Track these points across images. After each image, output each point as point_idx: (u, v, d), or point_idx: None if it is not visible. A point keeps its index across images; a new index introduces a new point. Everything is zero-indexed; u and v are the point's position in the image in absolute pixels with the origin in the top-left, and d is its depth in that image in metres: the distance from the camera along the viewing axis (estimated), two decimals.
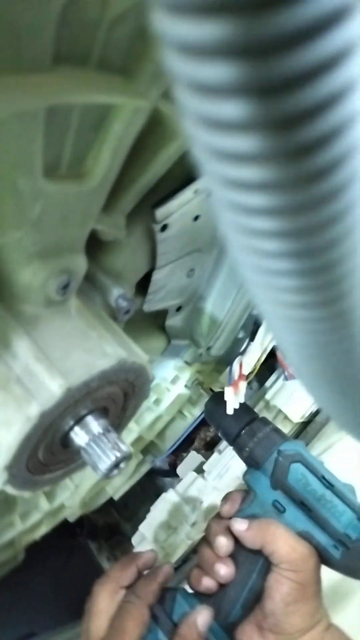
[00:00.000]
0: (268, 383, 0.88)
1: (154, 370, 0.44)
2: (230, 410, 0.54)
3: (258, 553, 0.46)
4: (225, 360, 0.78)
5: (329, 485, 0.47)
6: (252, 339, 0.59)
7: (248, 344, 0.59)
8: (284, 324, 0.20)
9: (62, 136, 0.28)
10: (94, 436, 0.38)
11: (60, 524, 0.75)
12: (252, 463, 0.51)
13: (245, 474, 0.52)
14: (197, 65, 0.12)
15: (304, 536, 0.46)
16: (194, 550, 0.78)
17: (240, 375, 0.57)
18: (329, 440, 0.81)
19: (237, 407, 0.54)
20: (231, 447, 0.55)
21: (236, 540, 0.47)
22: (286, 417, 0.81)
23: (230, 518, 0.49)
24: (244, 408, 0.55)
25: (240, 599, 0.46)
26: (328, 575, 0.47)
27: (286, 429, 0.82)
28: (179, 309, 0.60)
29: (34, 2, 0.21)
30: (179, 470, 0.95)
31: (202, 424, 0.95)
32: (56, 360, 0.35)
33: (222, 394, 0.55)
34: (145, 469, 0.87)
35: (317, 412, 0.84)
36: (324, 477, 0.47)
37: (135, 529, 0.80)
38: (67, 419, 0.38)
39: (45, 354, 0.35)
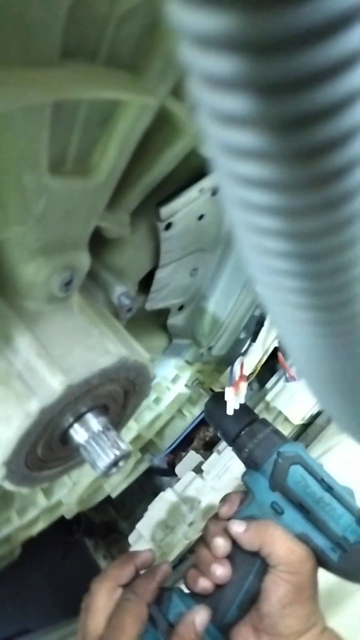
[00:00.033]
0: (269, 384, 0.88)
1: (154, 369, 0.43)
2: (230, 411, 0.53)
3: (255, 554, 0.46)
4: (226, 361, 0.78)
5: (328, 487, 0.47)
6: (253, 339, 0.59)
7: (250, 345, 0.59)
8: (291, 325, 0.20)
9: (69, 132, 0.28)
10: (93, 434, 0.38)
11: (57, 521, 0.75)
12: (251, 464, 0.51)
13: (244, 475, 0.52)
14: (212, 58, 0.12)
15: (302, 538, 0.46)
16: (190, 550, 0.78)
17: (241, 376, 0.57)
18: (329, 442, 0.81)
19: (237, 407, 0.54)
20: (230, 448, 0.55)
21: (234, 542, 0.47)
22: (286, 419, 0.81)
23: (228, 519, 0.49)
24: (244, 409, 0.55)
25: (237, 600, 0.45)
26: (325, 577, 0.46)
27: (286, 430, 0.82)
28: (181, 308, 0.60)
29: None
30: (177, 469, 0.95)
31: (201, 423, 0.94)
32: (57, 356, 0.35)
33: (222, 394, 0.55)
34: (143, 467, 0.87)
35: (317, 415, 0.84)
36: (323, 480, 0.47)
37: (132, 527, 0.80)
38: (67, 416, 0.37)
39: (46, 350, 0.35)
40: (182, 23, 0.11)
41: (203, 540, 0.50)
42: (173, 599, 0.46)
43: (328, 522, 0.45)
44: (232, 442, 0.53)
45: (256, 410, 0.76)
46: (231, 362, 0.58)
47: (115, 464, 0.38)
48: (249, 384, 0.58)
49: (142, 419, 0.75)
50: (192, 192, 0.43)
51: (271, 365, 0.84)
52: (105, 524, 1.10)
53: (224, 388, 0.55)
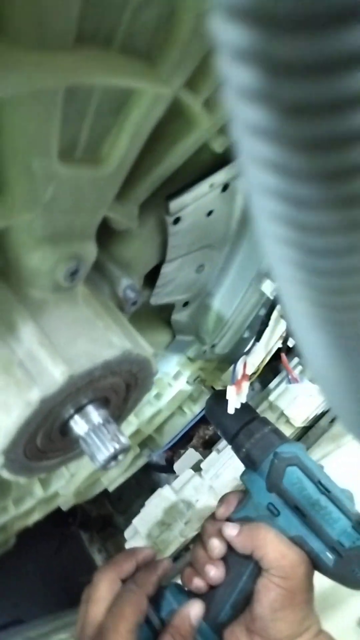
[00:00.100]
0: (272, 385, 0.87)
1: (157, 364, 0.43)
2: (231, 409, 0.53)
3: (249, 557, 0.46)
4: (229, 359, 0.77)
5: (325, 490, 0.46)
6: (257, 339, 0.59)
7: (253, 344, 0.59)
8: (312, 323, 0.20)
9: (80, 119, 0.28)
10: (93, 426, 0.38)
11: (53, 513, 0.75)
12: (249, 464, 0.51)
13: (242, 475, 0.52)
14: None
15: (297, 541, 0.46)
16: (186, 547, 0.78)
17: (244, 375, 0.56)
18: (331, 444, 0.81)
19: (238, 406, 0.53)
20: (230, 447, 0.54)
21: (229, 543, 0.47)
22: (288, 421, 0.81)
23: (225, 520, 0.49)
24: (245, 408, 0.54)
25: (230, 600, 0.45)
26: (319, 581, 0.46)
27: (288, 432, 0.82)
28: (186, 304, 0.60)
29: None
30: (176, 466, 0.95)
31: (201, 422, 0.94)
32: (60, 346, 0.35)
33: (224, 392, 0.54)
34: (141, 462, 0.87)
35: (319, 417, 0.83)
36: (320, 482, 0.47)
37: (128, 522, 0.79)
38: (68, 407, 0.37)
39: (49, 339, 0.34)
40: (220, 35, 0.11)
41: (200, 539, 0.50)
42: (166, 596, 0.46)
43: (323, 526, 0.45)
44: (231, 441, 0.53)
45: (259, 410, 0.76)
46: (234, 361, 0.58)
47: (114, 457, 0.37)
48: (251, 384, 0.58)
49: (142, 414, 0.75)
50: (203, 187, 0.43)
51: (274, 366, 0.84)
52: (102, 517, 1.10)
53: (225, 386, 0.55)
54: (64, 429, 0.39)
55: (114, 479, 0.84)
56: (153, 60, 0.28)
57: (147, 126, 0.31)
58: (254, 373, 0.59)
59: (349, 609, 0.63)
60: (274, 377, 0.89)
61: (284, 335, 0.58)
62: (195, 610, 0.44)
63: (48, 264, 0.34)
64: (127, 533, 0.79)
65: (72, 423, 0.38)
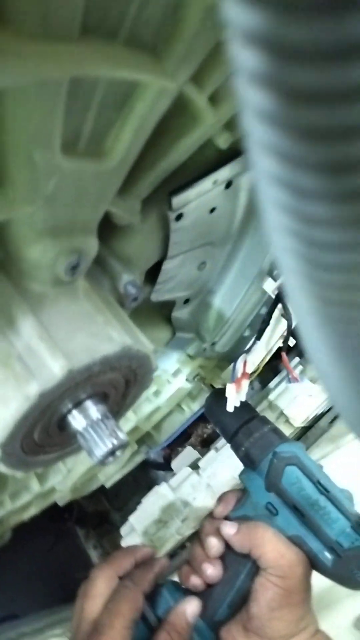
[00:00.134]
0: (272, 384, 0.87)
1: (156, 361, 0.43)
2: (230, 408, 0.53)
3: (247, 555, 0.46)
4: (229, 358, 0.77)
5: (324, 490, 0.46)
6: (258, 338, 0.58)
7: (254, 343, 0.58)
8: (316, 320, 0.20)
9: (84, 111, 0.28)
10: (92, 421, 0.38)
11: (49, 508, 0.75)
12: (248, 463, 0.51)
13: (241, 473, 0.52)
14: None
15: (296, 541, 0.46)
16: (182, 545, 0.78)
17: (244, 374, 0.56)
18: (330, 445, 0.81)
19: (237, 405, 0.53)
20: (229, 446, 0.54)
21: (227, 541, 0.47)
22: (287, 420, 0.80)
23: (223, 519, 0.49)
24: (245, 406, 0.54)
25: (227, 599, 0.45)
26: (317, 581, 0.46)
27: (287, 432, 0.82)
28: (186, 301, 0.60)
29: None
30: (173, 464, 0.95)
31: (199, 420, 0.94)
32: (60, 340, 0.34)
33: (223, 390, 0.54)
34: (139, 459, 0.87)
35: (319, 417, 0.83)
36: (319, 482, 0.46)
37: (124, 519, 0.79)
38: (66, 402, 0.37)
39: (49, 333, 0.34)
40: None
41: (198, 537, 0.50)
42: (163, 593, 0.46)
43: (322, 526, 0.45)
44: (230, 439, 0.53)
45: (258, 409, 0.75)
46: (234, 359, 0.58)
47: (112, 453, 0.37)
48: (250, 383, 0.58)
49: (140, 411, 0.75)
50: (206, 184, 0.42)
51: (274, 365, 0.84)
52: (98, 513, 1.10)
53: (225, 385, 0.54)
54: (62, 424, 0.38)
55: (111, 475, 0.84)
56: (158, 53, 0.28)
57: (151, 120, 0.31)
58: (254, 372, 0.59)
59: (345, 609, 0.63)
60: (274, 376, 0.89)
61: (285, 334, 0.58)
62: (191, 607, 0.44)
63: (49, 258, 0.34)
64: (124, 530, 0.79)
65: (70, 418, 0.38)
